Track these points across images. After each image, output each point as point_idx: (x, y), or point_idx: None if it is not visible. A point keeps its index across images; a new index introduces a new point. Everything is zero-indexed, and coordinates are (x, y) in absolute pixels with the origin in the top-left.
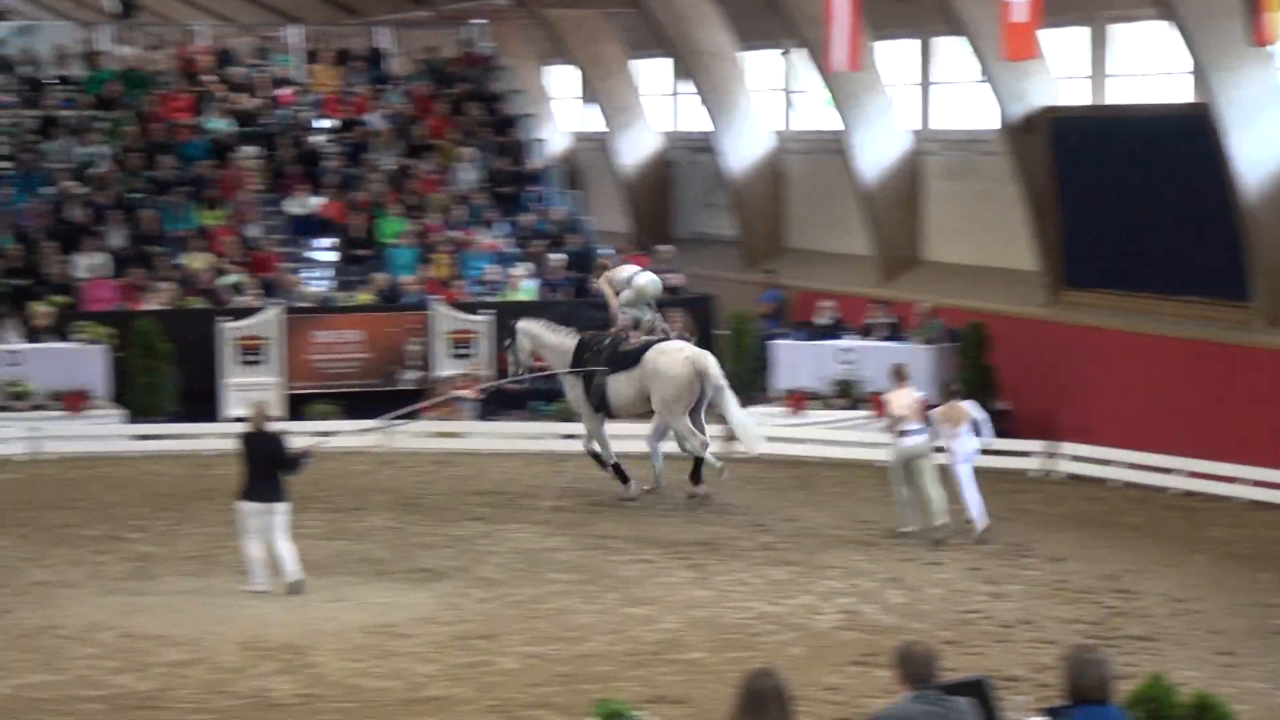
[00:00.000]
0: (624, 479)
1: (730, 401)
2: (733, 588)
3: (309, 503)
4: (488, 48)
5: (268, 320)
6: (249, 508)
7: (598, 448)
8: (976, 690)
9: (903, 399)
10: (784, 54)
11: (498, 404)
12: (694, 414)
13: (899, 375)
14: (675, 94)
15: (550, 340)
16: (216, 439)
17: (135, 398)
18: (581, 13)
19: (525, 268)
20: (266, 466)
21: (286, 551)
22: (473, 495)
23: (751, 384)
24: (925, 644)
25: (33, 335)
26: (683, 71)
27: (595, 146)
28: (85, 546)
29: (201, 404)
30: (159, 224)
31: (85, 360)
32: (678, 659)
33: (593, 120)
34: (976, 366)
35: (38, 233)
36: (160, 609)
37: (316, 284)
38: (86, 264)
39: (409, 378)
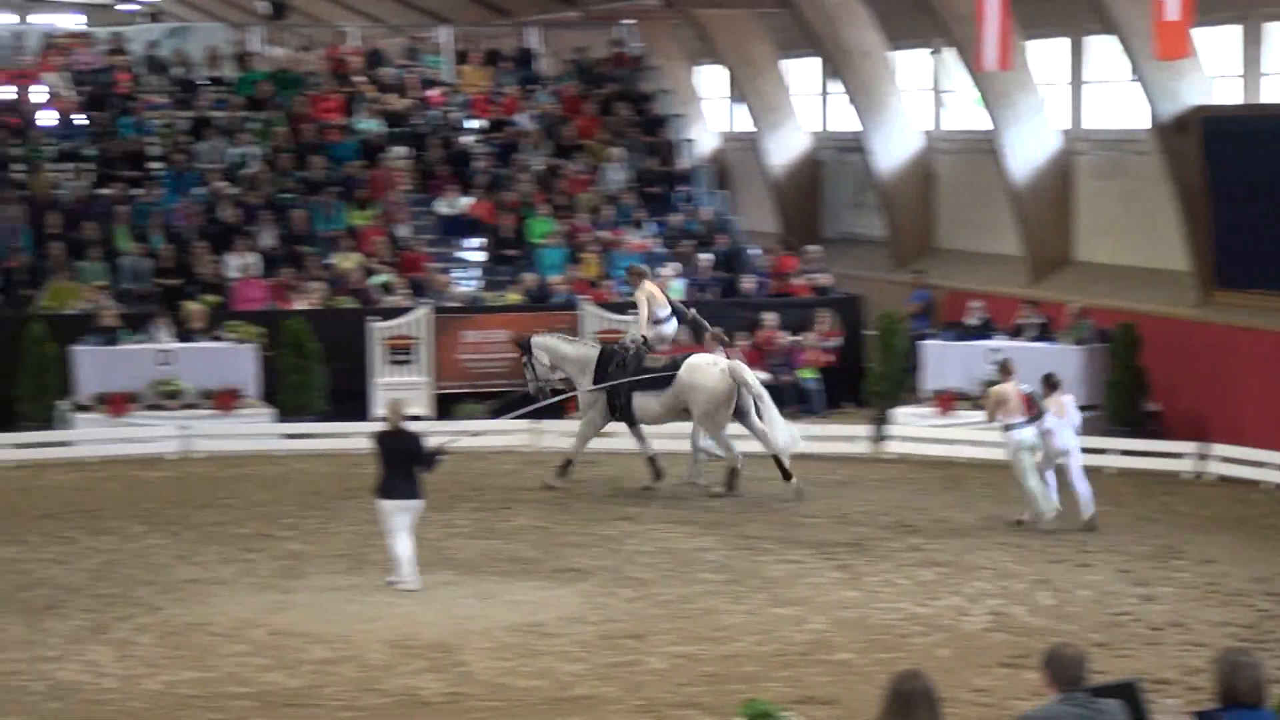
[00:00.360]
0: (564, 472)
1: (770, 406)
2: (881, 588)
3: (457, 502)
4: (637, 48)
5: (417, 320)
6: (388, 505)
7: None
8: (1126, 693)
9: (1009, 392)
10: (934, 53)
11: None
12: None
13: (1005, 370)
14: (825, 93)
15: (569, 351)
16: (366, 438)
17: (285, 397)
18: (731, 12)
19: (674, 268)
20: (403, 464)
21: (401, 550)
22: (620, 495)
23: (900, 385)
24: (1074, 646)
25: (184, 335)
26: (832, 71)
27: (744, 146)
28: (235, 544)
29: (351, 403)
30: (309, 224)
31: (236, 359)
32: (826, 659)
33: (742, 120)
34: (1127, 368)
35: (189, 233)
36: (309, 607)
37: (465, 284)
38: (237, 264)
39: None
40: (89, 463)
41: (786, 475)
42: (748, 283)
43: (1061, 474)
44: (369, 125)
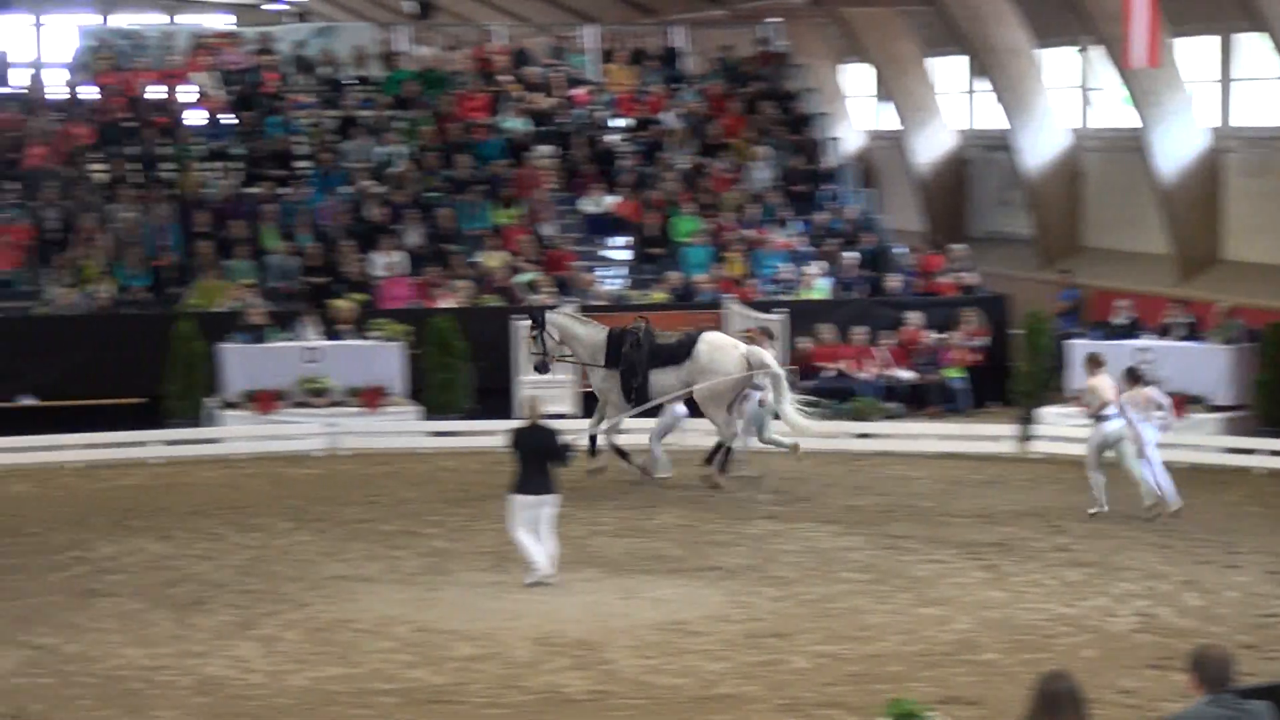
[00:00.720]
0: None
1: (785, 390)
2: (1027, 589)
3: (601, 500)
4: (783, 46)
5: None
6: (522, 500)
7: (616, 439)
8: (1275, 695)
9: (1104, 384)
10: (1081, 51)
11: None
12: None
13: (1094, 362)
14: (971, 91)
15: (580, 332)
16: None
17: (431, 394)
18: (877, 10)
19: (819, 266)
20: (539, 459)
21: (550, 547)
22: (765, 493)
23: (1046, 384)
24: (1222, 647)
25: (331, 333)
26: (979, 69)
27: (890, 145)
28: (381, 541)
29: (496, 401)
30: (455, 223)
31: (382, 357)
32: (971, 660)
33: (887, 118)
34: (1276, 367)
35: (336, 231)
36: (454, 604)
37: (610, 282)
38: (384, 262)
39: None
40: (236, 460)
41: (714, 462)
42: (893, 281)
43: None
44: (514, 124)
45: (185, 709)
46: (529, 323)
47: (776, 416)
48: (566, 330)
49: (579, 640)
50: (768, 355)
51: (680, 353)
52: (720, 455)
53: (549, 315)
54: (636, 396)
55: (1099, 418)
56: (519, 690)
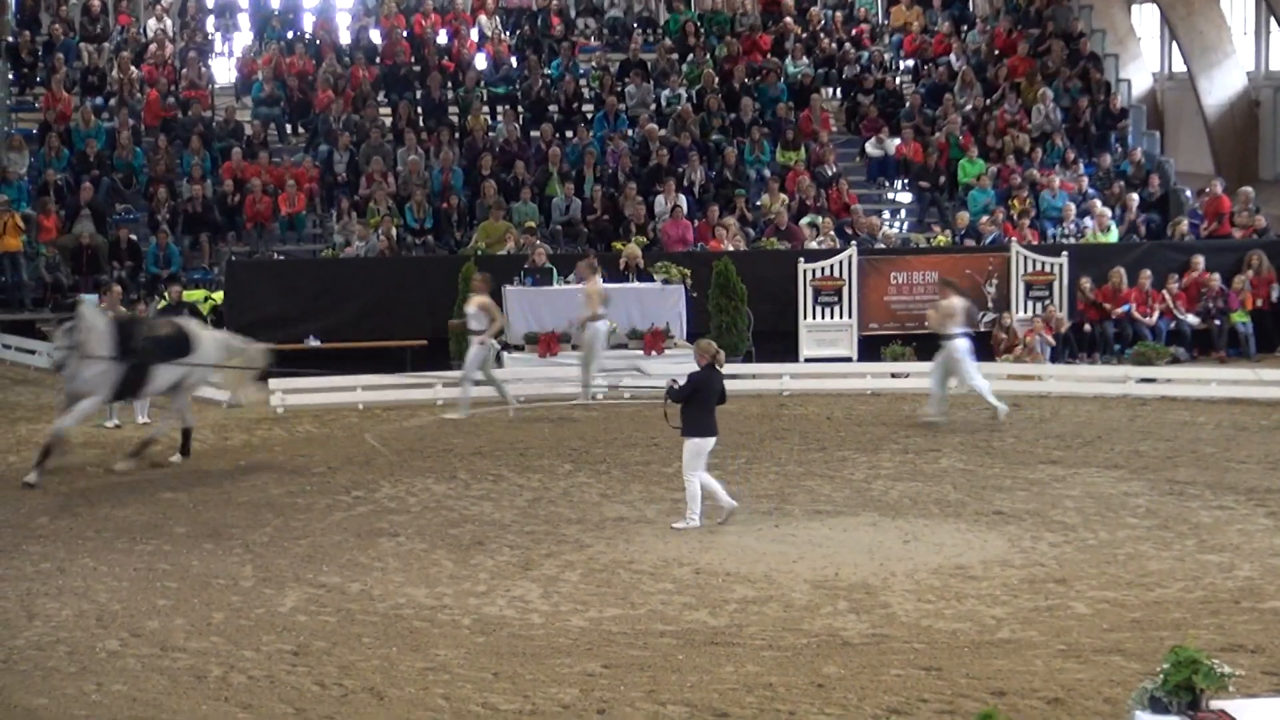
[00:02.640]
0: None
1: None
2: None
3: (882, 444)
4: None
5: (844, 262)
6: (707, 444)
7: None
8: None
9: (956, 306)
10: None
11: (1074, 346)
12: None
13: (949, 286)
14: (1262, 31)
15: (96, 324)
16: (792, 379)
17: (712, 337)
18: None
19: (1105, 209)
20: (715, 402)
21: (714, 481)
22: (1047, 438)
23: None
24: None
25: (614, 275)
26: (1269, 8)
27: (1179, 86)
28: (661, 483)
29: (777, 344)
30: (738, 165)
31: (664, 300)
32: (1255, 608)
33: (1176, 59)
34: None
35: (619, 173)
36: (733, 547)
37: (893, 225)
38: (666, 204)
39: (987, 320)
40: (521, 402)
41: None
42: (1181, 225)
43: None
44: (798, 67)
45: (465, 647)
46: (68, 318)
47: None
48: (86, 321)
49: (858, 583)
50: (238, 341)
51: (178, 342)
52: (176, 442)
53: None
54: (130, 389)
55: (950, 336)
56: (797, 633)
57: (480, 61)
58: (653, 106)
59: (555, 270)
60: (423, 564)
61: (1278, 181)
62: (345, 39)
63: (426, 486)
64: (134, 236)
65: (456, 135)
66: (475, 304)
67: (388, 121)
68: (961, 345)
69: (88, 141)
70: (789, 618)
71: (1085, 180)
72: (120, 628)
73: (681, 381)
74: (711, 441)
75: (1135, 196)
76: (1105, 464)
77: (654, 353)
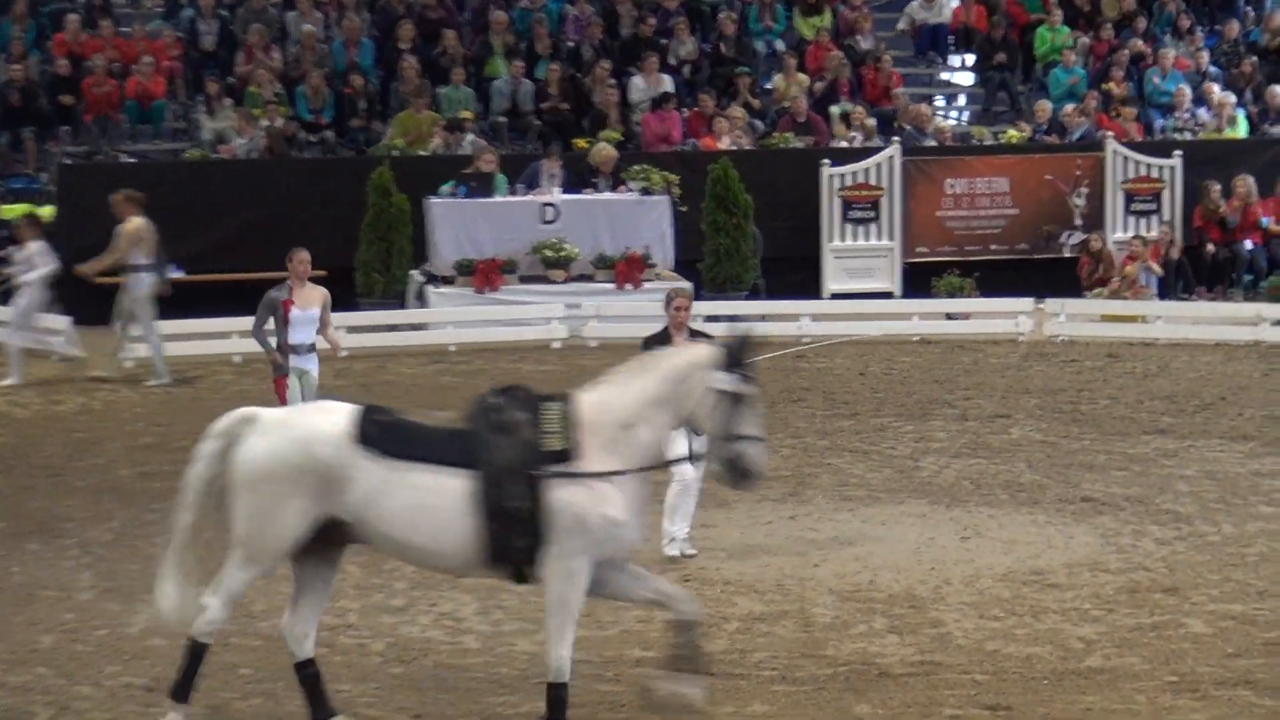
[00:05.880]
0: None
1: None
2: None
3: (934, 408)
4: None
5: (884, 164)
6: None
7: None
8: None
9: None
10: None
11: (1190, 278)
12: None
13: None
14: None
15: None
16: (814, 321)
17: (709, 265)
18: None
19: (1230, 95)
20: None
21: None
22: (1154, 400)
23: None
24: None
25: (576, 183)
26: None
27: None
28: None
29: (795, 275)
30: (740, 35)
31: (642, 216)
32: None
33: None
34: None
35: (585, 49)
36: (735, 545)
37: (949, 117)
38: (646, 89)
39: (1072, 242)
40: (449, 352)
41: None
42: None
43: None
44: None
45: (377, 682)
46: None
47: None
48: None
49: (900, 595)
50: None
51: None
52: None
53: None
54: None
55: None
56: (819, 661)
57: None
58: None
59: (503, 177)
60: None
61: None
62: None
63: None
64: None
65: None
66: (126, 234)
67: None
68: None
69: None
70: (809, 640)
71: (1205, 56)
72: None
73: None
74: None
75: (1275, 84)
76: (1230, 434)
77: (628, 285)
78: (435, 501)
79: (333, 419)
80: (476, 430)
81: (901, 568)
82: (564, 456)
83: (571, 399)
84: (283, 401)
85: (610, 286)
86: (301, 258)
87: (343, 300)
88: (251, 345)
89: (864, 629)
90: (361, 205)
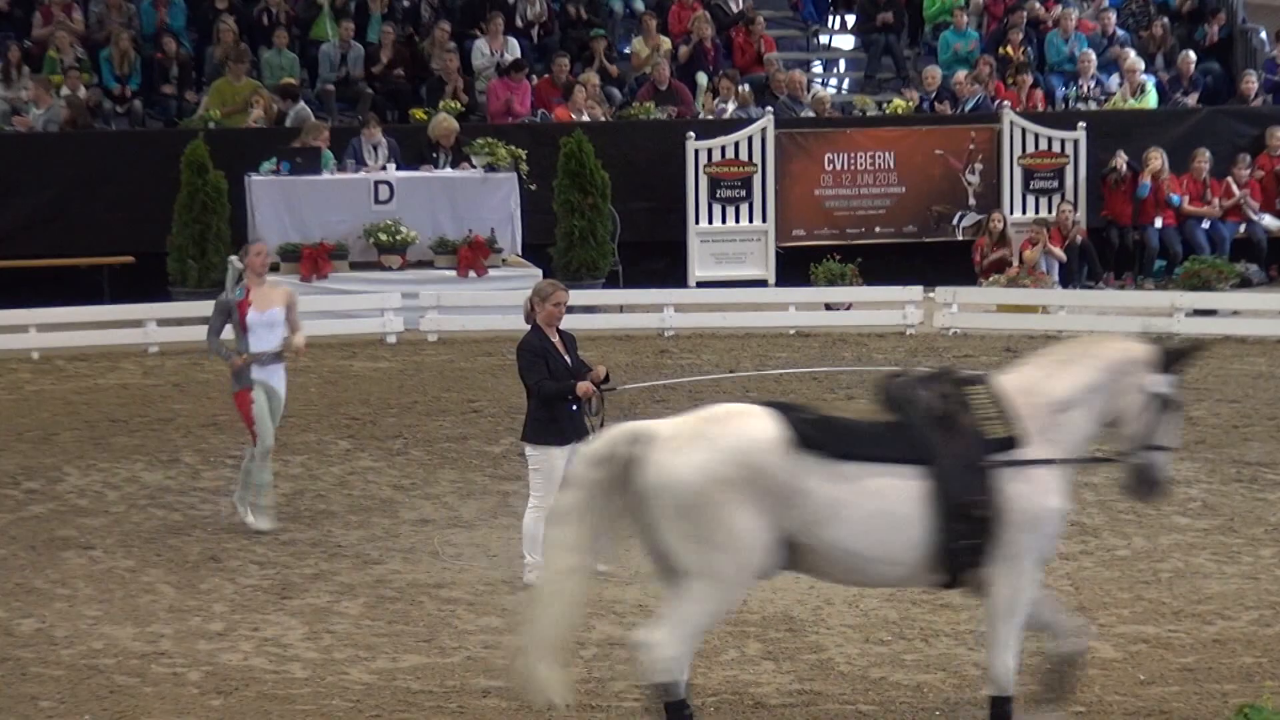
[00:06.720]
0: None
1: None
2: None
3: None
4: None
5: (755, 138)
6: (560, 455)
7: None
8: None
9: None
10: None
11: (1096, 263)
12: None
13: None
14: None
15: None
16: (678, 312)
17: (561, 250)
18: None
19: (1139, 60)
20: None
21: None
22: None
23: None
24: None
25: (413, 158)
26: None
27: None
28: (484, 469)
29: (657, 261)
30: None
31: (487, 194)
32: None
33: None
34: None
35: (422, 9)
36: None
37: (828, 85)
38: (490, 53)
39: (965, 224)
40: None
41: None
42: (1251, 82)
43: None
44: None
45: (195, 715)
46: None
47: None
48: None
49: (775, 616)
50: None
51: None
52: None
53: None
54: None
55: None
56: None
57: None
58: None
59: (329, 153)
60: (129, 590)
61: None
62: None
63: (135, 475)
64: None
65: None
66: None
67: None
68: None
69: None
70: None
71: (1112, 17)
72: None
73: None
74: (567, 451)
75: (1188, 49)
76: None
77: (472, 273)
78: (892, 507)
79: (759, 423)
80: (910, 421)
81: (776, 587)
82: (1009, 444)
83: (992, 381)
84: (248, 420)
85: (452, 274)
86: (257, 249)
87: (151, 290)
88: (54, 339)
89: (735, 655)
90: (174, 183)
